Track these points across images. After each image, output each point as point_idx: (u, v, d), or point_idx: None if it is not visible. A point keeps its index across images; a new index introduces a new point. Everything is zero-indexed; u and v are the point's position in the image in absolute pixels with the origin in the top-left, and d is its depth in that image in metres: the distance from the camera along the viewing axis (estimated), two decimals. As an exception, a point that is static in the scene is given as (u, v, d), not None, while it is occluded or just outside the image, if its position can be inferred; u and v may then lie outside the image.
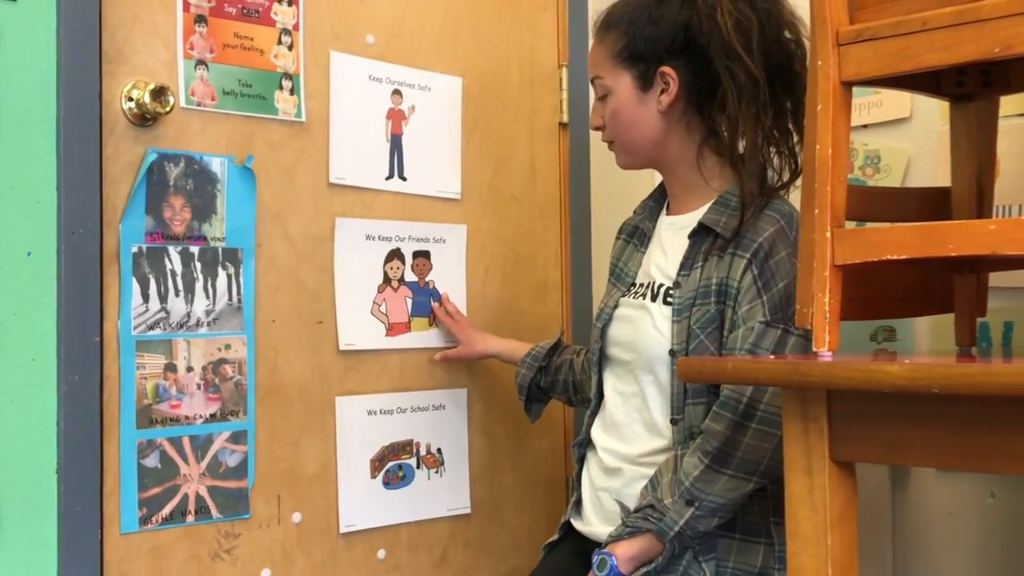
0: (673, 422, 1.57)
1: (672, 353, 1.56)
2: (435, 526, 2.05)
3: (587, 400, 1.91)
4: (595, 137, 2.32)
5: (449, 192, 2.09)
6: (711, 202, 1.61)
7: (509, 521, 2.17)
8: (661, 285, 1.63)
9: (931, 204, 1.44)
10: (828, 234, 1.18)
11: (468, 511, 2.10)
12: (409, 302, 2.02)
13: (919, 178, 1.73)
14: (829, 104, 1.18)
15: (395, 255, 2.00)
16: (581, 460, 1.76)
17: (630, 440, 1.64)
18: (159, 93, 1.65)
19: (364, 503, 1.94)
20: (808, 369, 1.10)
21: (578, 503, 1.76)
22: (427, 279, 2.05)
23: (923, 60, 1.13)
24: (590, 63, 1.71)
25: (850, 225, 1.22)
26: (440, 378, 2.07)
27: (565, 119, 2.29)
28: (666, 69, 1.60)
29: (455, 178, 2.10)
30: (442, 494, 2.06)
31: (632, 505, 1.59)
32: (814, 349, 1.18)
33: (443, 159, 2.09)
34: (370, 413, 1.96)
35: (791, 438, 1.17)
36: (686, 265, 1.60)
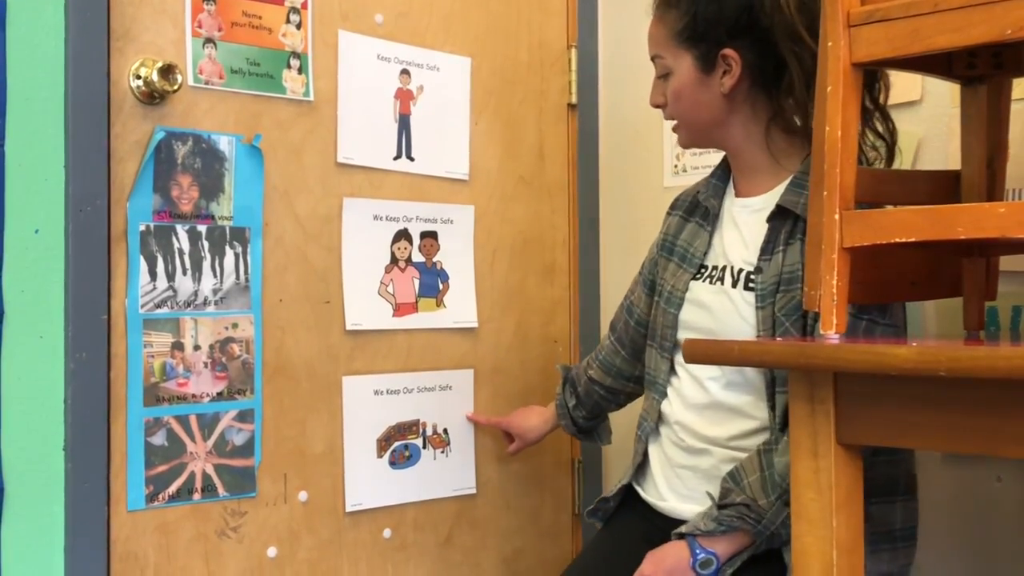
0: (771, 404, 1.54)
1: (761, 339, 1.52)
2: (441, 506, 2.06)
3: (631, 395, 1.93)
4: (604, 119, 2.32)
5: (457, 173, 2.09)
6: (785, 183, 1.57)
7: (515, 502, 2.18)
8: (741, 270, 1.59)
9: (941, 187, 1.43)
10: (837, 216, 1.17)
11: (474, 491, 2.10)
12: (416, 282, 2.02)
13: (929, 161, 1.72)
14: (839, 86, 1.18)
15: (403, 235, 2.00)
16: (647, 436, 1.74)
17: (715, 422, 1.61)
18: (167, 71, 1.64)
19: (370, 482, 1.94)
20: (815, 351, 1.10)
21: (638, 476, 1.75)
22: (434, 260, 2.05)
23: (934, 42, 1.12)
24: (650, 41, 1.65)
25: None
26: (447, 359, 2.07)
27: (574, 100, 2.29)
28: (728, 52, 1.55)
29: (463, 159, 2.10)
30: (448, 474, 2.06)
31: (716, 486, 1.57)
32: (821, 332, 1.18)
33: (451, 140, 2.08)
34: (377, 393, 1.96)
35: (797, 420, 1.17)
36: (767, 250, 1.55)
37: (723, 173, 1.71)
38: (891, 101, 1.60)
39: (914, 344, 1.03)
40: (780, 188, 1.57)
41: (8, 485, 1.52)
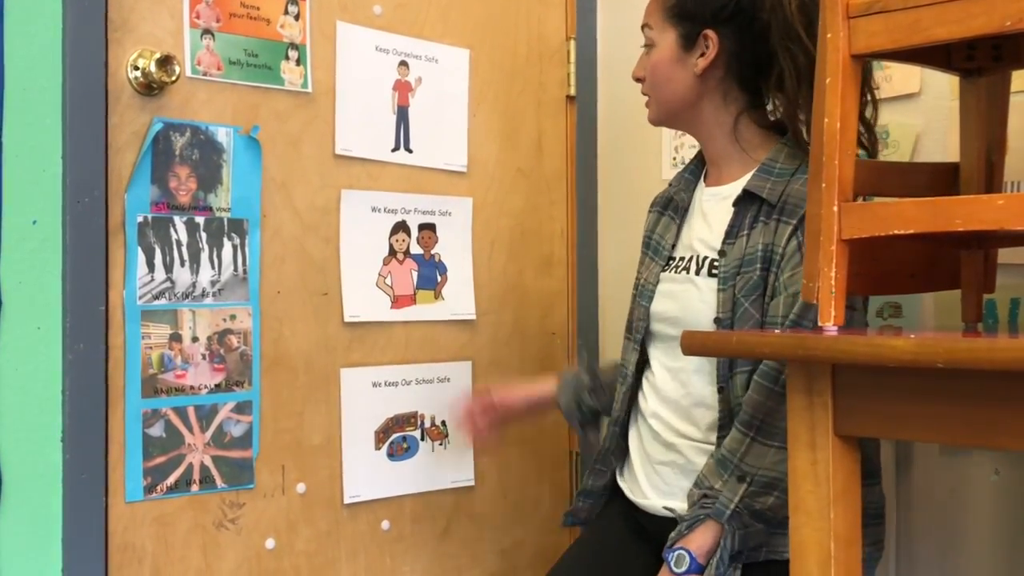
0: (720, 390, 1.55)
1: (717, 321, 1.55)
2: (439, 498, 2.06)
3: None
4: (602, 111, 2.31)
5: (455, 165, 2.08)
6: (753, 171, 1.58)
7: (513, 494, 2.18)
8: (705, 258, 1.61)
9: (940, 180, 1.43)
10: (835, 208, 1.17)
11: (472, 483, 2.10)
12: (414, 275, 2.02)
13: (928, 154, 1.72)
14: (838, 77, 1.17)
15: (401, 227, 2.00)
16: (621, 433, 1.73)
17: (685, 416, 1.62)
18: (165, 62, 1.64)
19: (368, 474, 1.94)
20: (813, 343, 1.10)
21: (622, 472, 1.75)
22: (432, 252, 2.05)
23: (933, 33, 1.11)
24: (646, 9, 1.67)
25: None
26: (445, 351, 2.07)
27: (573, 92, 2.28)
28: (710, 33, 1.57)
29: (461, 151, 2.09)
30: (446, 466, 2.07)
31: (689, 482, 1.57)
32: (820, 323, 1.18)
33: (450, 132, 2.08)
34: (375, 385, 1.96)
35: (795, 412, 1.17)
36: (731, 234, 1.57)
37: (696, 167, 1.73)
38: (890, 93, 1.60)
39: (912, 336, 1.03)
40: (747, 177, 1.59)
41: (6, 476, 1.52)
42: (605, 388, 1.86)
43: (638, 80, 1.70)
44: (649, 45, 1.66)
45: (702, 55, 1.59)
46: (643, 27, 1.67)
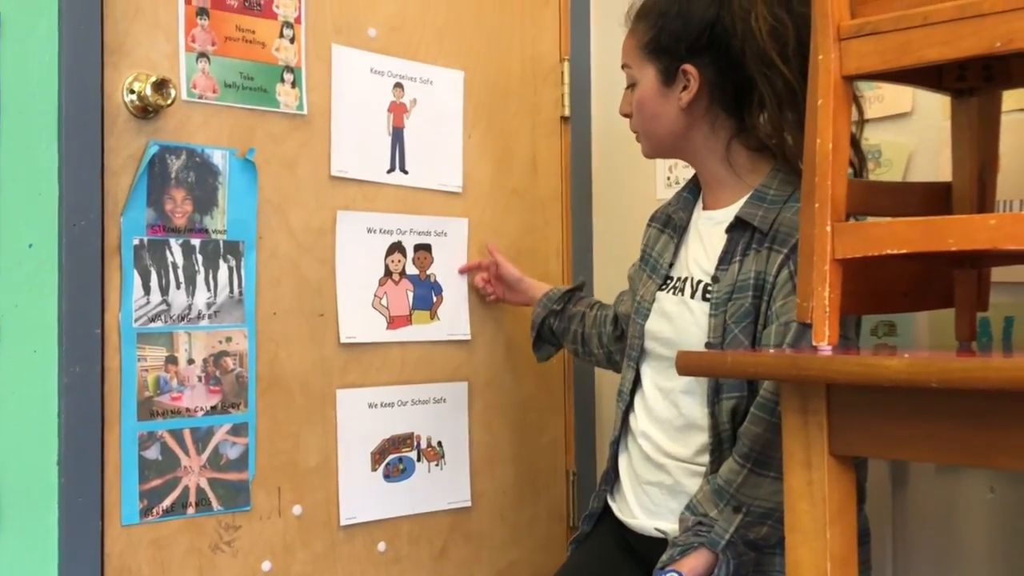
0: (711, 413, 1.56)
1: (708, 346, 1.55)
2: (435, 519, 2.06)
3: (591, 356, 1.99)
4: (596, 131, 2.32)
5: (451, 186, 2.09)
6: (747, 196, 1.60)
7: (510, 515, 2.18)
8: (700, 281, 1.62)
9: (932, 199, 1.43)
10: (828, 228, 1.18)
11: (468, 504, 2.10)
12: (410, 295, 2.02)
13: (920, 173, 1.73)
14: (830, 98, 1.18)
15: (396, 248, 2.00)
16: (615, 448, 1.75)
17: (674, 437, 1.63)
18: (161, 86, 1.65)
19: (365, 496, 1.94)
20: (807, 363, 1.10)
21: (612, 493, 1.76)
22: (428, 272, 2.05)
23: (924, 54, 1.12)
24: (623, 50, 1.70)
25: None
26: (441, 371, 2.07)
27: (567, 113, 2.29)
28: (688, 67, 1.59)
29: (457, 172, 2.10)
30: (442, 487, 2.06)
31: (681, 502, 1.58)
32: (814, 343, 1.18)
33: (445, 153, 2.09)
34: (371, 406, 1.96)
35: (790, 432, 1.17)
36: (724, 260, 1.58)
37: (694, 187, 1.74)
38: (882, 113, 1.61)
39: (906, 356, 1.03)
40: (742, 202, 1.60)
41: (2, 499, 1.52)
42: (566, 317, 2.02)
43: (625, 116, 1.72)
44: (631, 84, 1.68)
45: (684, 88, 1.60)
46: (623, 67, 1.69)
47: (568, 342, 2.03)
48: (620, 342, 1.89)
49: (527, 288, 2.07)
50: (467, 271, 2.11)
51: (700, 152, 1.66)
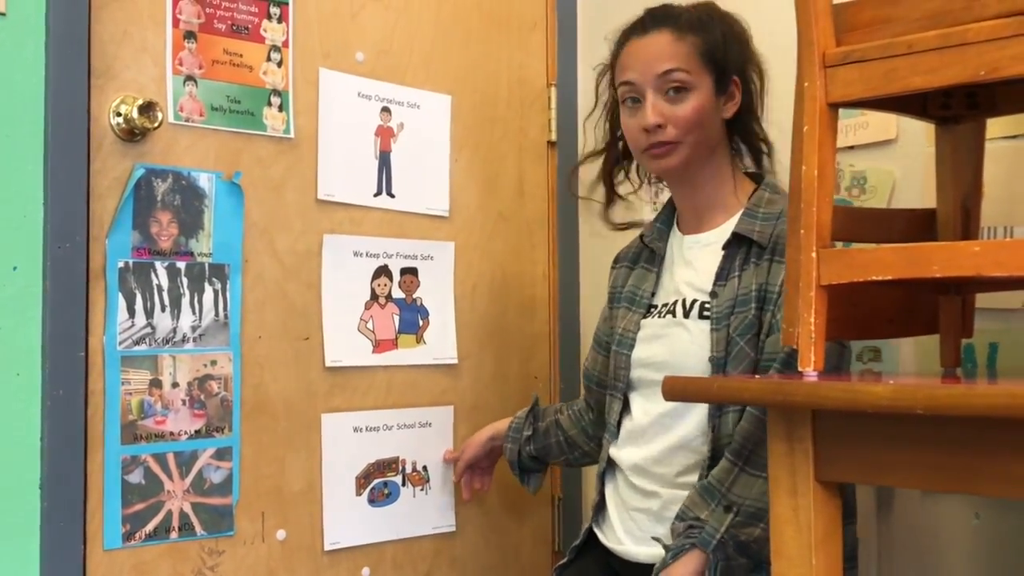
0: (712, 428, 1.56)
1: (712, 360, 1.55)
2: (420, 544, 2.04)
3: (584, 456, 1.92)
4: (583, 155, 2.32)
5: (437, 209, 2.09)
6: (735, 217, 1.63)
7: (494, 539, 2.17)
8: (695, 300, 1.62)
9: (917, 226, 1.44)
10: (814, 254, 1.18)
11: (453, 529, 2.09)
12: (396, 319, 2.02)
13: (905, 199, 1.73)
14: (815, 125, 1.19)
15: (383, 272, 2.00)
16: (602, 479, 1.75)
17: (665, 462, 1.62)
18: (147, 108, 1.65)
19: (349, 520, 1.93)
20: (793, 389, 1.10)
21: (598, 519, 1.75)
22: (414, 296, 2.05)
23: (910, 82, 1.13)
24: (661, 56, 1.61)
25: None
26: (426, 395, 2.06)
27: (553, 138, 2.30)
28: (737, 80, 1.65)
29: (443, 196, 2.10)
30: (427, 512, 2.05)
31: (666, 529, 1.57)
32: (800, 369, 1.18)
33: (431, 177, 2.09)
34: (356, 430, 1.95)
35: (776, 458, 1.17)
36: (722, 276, 1.59)
37: (667, 217, 1.76)
38: (867, 140, 1.62)
39: (891, 382, 1.03)
40: (731, 223, 1.63)
41: (-18, 524, 1.51)
42: (540, 436, 1.93)
43: (656, 127, 1.60)
44: (678, 89, 1.60)
45: (729, 100, 1.65)
46: (667, 72, 1.60)
47: (553, 457, 1.95)
48: (602, 422, 1.83)
49: (488, 435, 2.01)
50: (457, 480, 2.06)
51: (714, 169, 1.66)
